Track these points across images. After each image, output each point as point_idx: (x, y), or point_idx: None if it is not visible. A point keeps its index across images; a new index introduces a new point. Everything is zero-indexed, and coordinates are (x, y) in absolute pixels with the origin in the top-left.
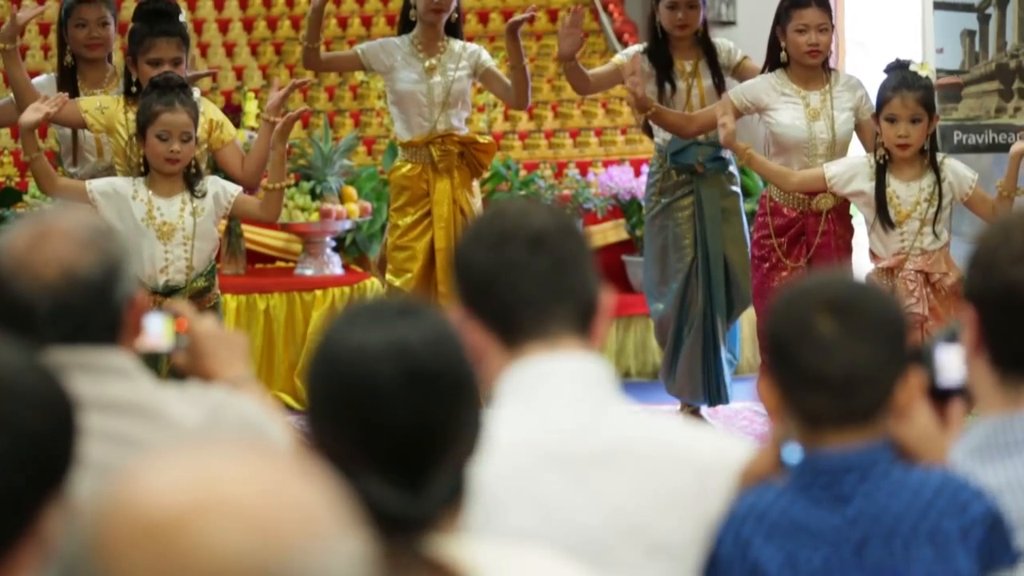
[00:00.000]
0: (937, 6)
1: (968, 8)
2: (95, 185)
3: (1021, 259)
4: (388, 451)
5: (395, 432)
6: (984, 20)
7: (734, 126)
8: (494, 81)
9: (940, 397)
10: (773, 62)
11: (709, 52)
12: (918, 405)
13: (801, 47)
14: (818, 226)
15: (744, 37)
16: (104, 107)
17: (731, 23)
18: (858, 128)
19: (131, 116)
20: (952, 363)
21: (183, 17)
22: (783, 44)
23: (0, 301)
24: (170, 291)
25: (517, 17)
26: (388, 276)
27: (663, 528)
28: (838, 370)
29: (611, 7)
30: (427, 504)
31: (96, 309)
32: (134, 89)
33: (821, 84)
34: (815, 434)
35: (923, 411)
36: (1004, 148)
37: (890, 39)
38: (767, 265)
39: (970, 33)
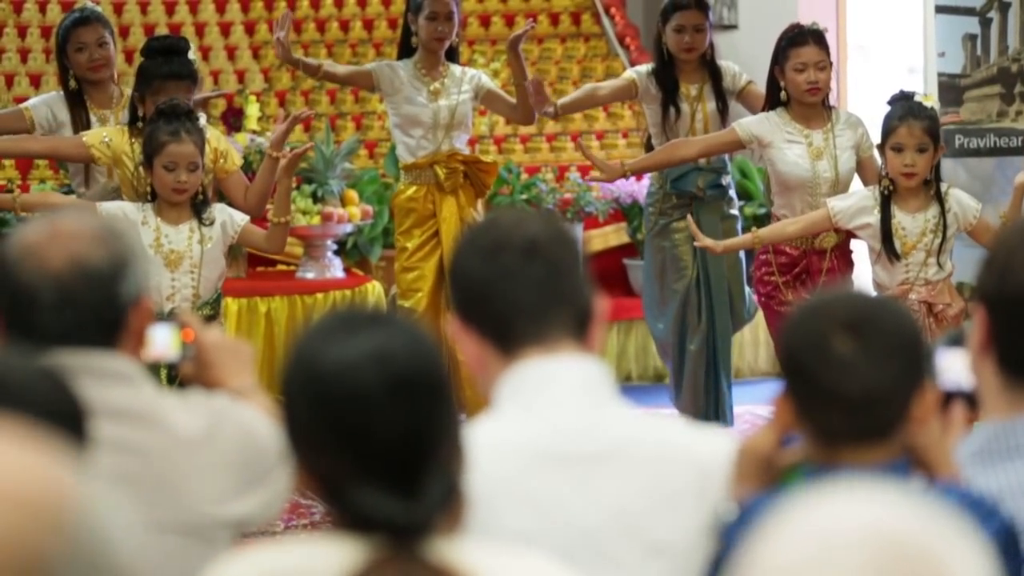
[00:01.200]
0: (939, 10)
1: (970, 12)
2: (106, 208)
3: None
4: (380, 460)
5: (385, 440)
6: (986, 24)
7: (711, 242)
8: (496, 101)
9: (942, 400)
10: (773, 101)
11: (714, 76)
12: (933, 418)
13: (800, 85)
14: (822, 264)
15: (745, 41)
16: (110, 139)
17: (733, 27)
18: (859, 165)
19: (136, 147)
20: (953, 367)
21: (192, 54)
22: (782, 83)
23: (5, 287)
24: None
25: (517, 32)
26: (399, 301)
27: (663, 528)
28: (856, 389)
29: (613, 11)
30: (425, 509)
31: (101, 303)
32: (140, 124)
33: (823, 122)
34: (831, 451)
35: (938, 424)
36: (1006, 152)
37: (892, 43)
38: (774, 303)
39: (972, 37)
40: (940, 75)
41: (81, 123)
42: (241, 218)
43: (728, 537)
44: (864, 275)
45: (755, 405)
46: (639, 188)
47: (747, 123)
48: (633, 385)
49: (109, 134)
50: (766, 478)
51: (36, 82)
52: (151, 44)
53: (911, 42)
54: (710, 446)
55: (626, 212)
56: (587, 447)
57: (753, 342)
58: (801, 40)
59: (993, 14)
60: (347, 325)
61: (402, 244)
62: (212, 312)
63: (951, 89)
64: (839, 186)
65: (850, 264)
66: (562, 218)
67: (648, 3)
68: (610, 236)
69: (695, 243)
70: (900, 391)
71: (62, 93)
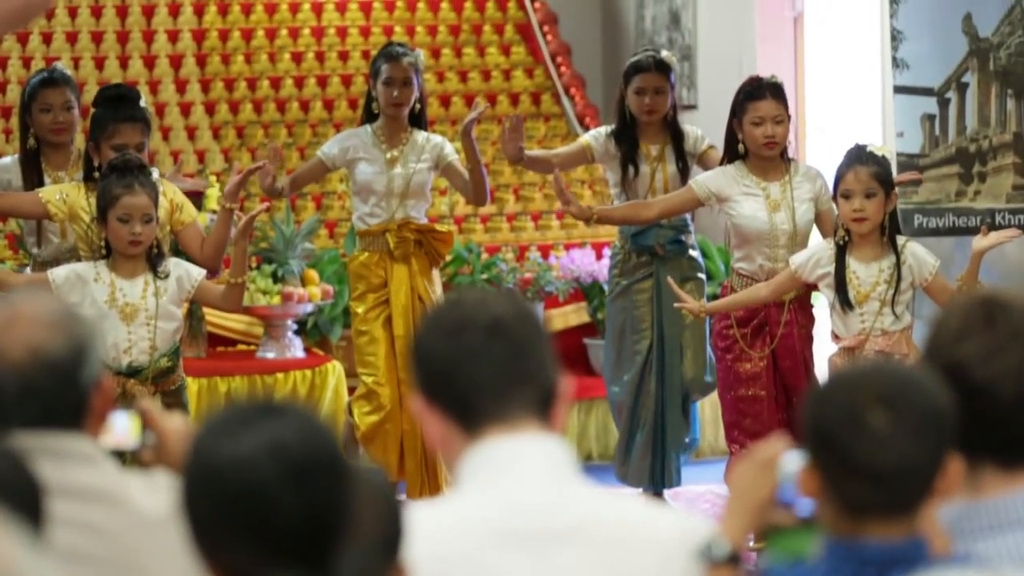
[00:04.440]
0: (897, 90)
1: (928, 92)
2: (56, 274)
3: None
4: (286, 545)
5: (288, 527)
6: (944, 104)
7: (694, 305)
8: (455, 176)
9: None
10: (731, 154)
11: (676, 137)
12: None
13: (757, 139)
14: (780, 316)
15: (705, 121)
16: (66, 195)
17: (692, 107)
18: (818, 218)
19: (93, 201)
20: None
21: (143, 102)
22: (740, 136)
23: None
24: (134, 372)
25: (468, 117)
26: (358, 370)
27: None
28: (890, 464)
29: (573, 91)
30: None
31: (63, 390)
32: (96, 175)
33: (781, 175)
34: (856, 523)
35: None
36: (964, 231)
37: (851, 123)
38: (731, 356)
39: (930, 117)
40: (899, 155)
41: (32, 185)
42: (198, 273)
43: None
44: (824, 328)
45: (717, 485)
46: (599, 268)
47: (703, 180)
48: (594, 464)
49: (64, 190)
50: (756, 524)
51: None
52: (103, 92)
53: (870, 122)
54: (674, 526)
55: (586, 291)
56: (548, 526)
57: (714, 420)
58: (758, 94)
59: (951, 95)
60: (239, 419)
61: (355, 309)
62: (171, 363)
63: (910, 169)
64: (797, 238)
65: (810, 316)
66: (524, 297)
67: (608, 84)
68: (570, 315)
69: (675, 304)
70: (930, 465)
71: (17, 157)
